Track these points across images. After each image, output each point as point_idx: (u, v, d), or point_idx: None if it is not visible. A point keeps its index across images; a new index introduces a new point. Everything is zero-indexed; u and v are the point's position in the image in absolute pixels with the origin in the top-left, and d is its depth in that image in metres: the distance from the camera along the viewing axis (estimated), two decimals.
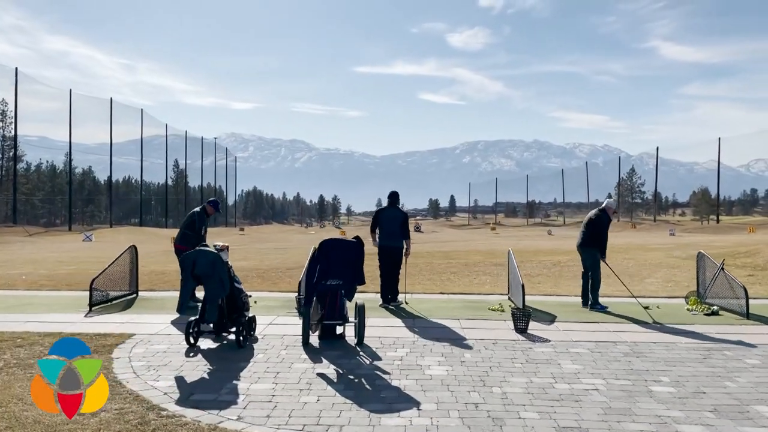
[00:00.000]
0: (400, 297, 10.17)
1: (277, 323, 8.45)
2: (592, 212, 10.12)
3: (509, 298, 10.61)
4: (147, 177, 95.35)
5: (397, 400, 5.19)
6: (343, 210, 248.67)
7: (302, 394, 5.36)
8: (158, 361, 6.39)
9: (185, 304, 7.13)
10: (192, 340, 6.95)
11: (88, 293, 9.48)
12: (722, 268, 9.43)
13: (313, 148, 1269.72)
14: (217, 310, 6.93)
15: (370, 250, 8.94)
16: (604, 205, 10.07)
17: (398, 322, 8.65)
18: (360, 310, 7.16)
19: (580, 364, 6.37)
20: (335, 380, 5.80)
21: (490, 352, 6.87)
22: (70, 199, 73.56)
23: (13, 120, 62.26)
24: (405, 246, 9.90)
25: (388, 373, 6.02)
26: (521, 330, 7.93)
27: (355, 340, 7.20)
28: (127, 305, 9.92)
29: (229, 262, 7.36)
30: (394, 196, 10.21)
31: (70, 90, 64.84)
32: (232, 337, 7.36)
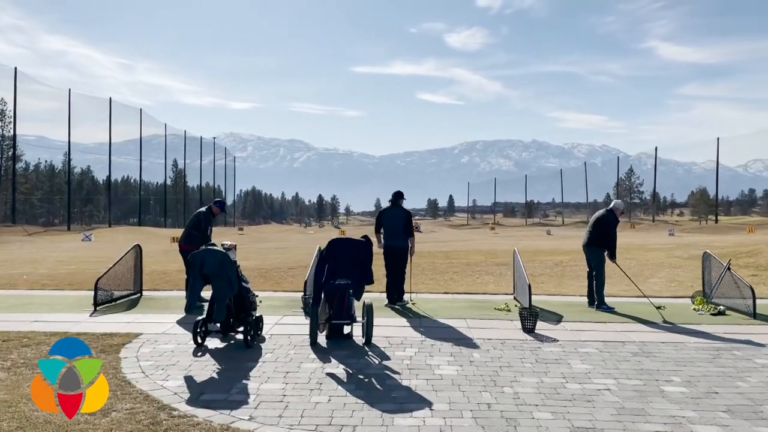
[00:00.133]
0: (406, 297, 10.14)
1: (284, 323, 8.42)
2: (600, 212, 10.10)
3: (514, 298, 10.58)
4: (146, 177, 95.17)
5: (408, 400, 5.17)
6: (341, 210, 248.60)
7: (313, 394, 5.33)
8: (166, 361, 6.36)
9: (193, 303, 7.10)
10: (199, 340, 6.92)
11: (91, 293, 9.45)
12: (729, 268, 9.42)
13: (311, 148, 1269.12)
14: (225, 310, 6.90)
15: (376, 249, 8.91)
16: (612, 205, 10.05)
17: (405, 321, 8.62)
18: (368, 310, 7.13)
19: (590, 364, 6.35)
20: (345, 380, 5.77)
21: (498, 352, 6.85)
22: (69, 198, 73.42)
23: (12, 119, 62.07)
24: (410, 245, 9.87)
25: (397, 373, 6.00)
26: (529, 330, 7.91)
27: (363, 340, 7.17)
28: (132, 305, 9.89)
29: (237, 261, 7.33)
30: (396, 196, 10.18)
31: (69, 89, 64.73)
32: (240, 336, 7.33)
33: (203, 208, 9.86)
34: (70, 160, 73.08)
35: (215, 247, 7.17)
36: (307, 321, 8.36)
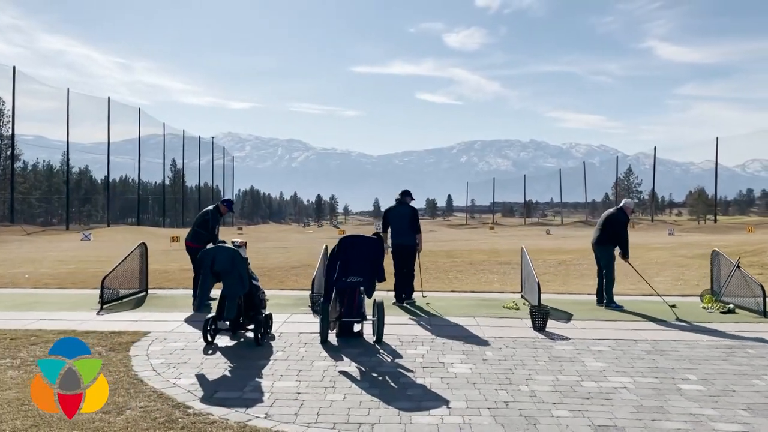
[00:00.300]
0: (417, 294, 10.07)
1: (292, 321, 8.37)
2: (610, 211, 10.07)
3: (522, 296, 10.54)
4: (144, 177, 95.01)
5: (424, 398, 5.12)
6: (340, 209, 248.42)
7: (328, 392, 5.28)
8: (177, 359, 6.30)
9: (204, 301, 7.03)
10: (209, 338, 6.87)
11: (95, 291, 9.39)
12: (738, 266, 9.38)
13: (310, 148, 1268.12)
14: (236, 308, 6.84)
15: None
16: (622, 204, 10.02)
17: (414, 320, 8.57)
18: (379, 308, 7.07)
19: (604, 362, 6.31)
20: (359, 378, 5.72)
21: (511, 350, 6.80)
22: (67, 198, 73.23)
23: (10, 119, 61.88)
24: (417, 242, 9.81)
25: (411, 371, 5.95)
26: (539, 328, 7.86)
27: (374, 338, 7.12)
28: (138, 303, 9.83)
29: (248, 259, 7.27)
30: (403, 194, 10.11)
31: (68, 89, 64.57)
32: (249, 334, 7.28)
33: (210, 207, 9.80)
34: (68, 159, 72.92)
35: (226, 245, 7.11)
36: (316, 319, 8.33)
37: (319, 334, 7.14)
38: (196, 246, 9.40)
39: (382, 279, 7.34)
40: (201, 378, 5.66)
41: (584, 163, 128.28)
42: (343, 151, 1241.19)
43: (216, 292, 7.59)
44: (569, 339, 7.38)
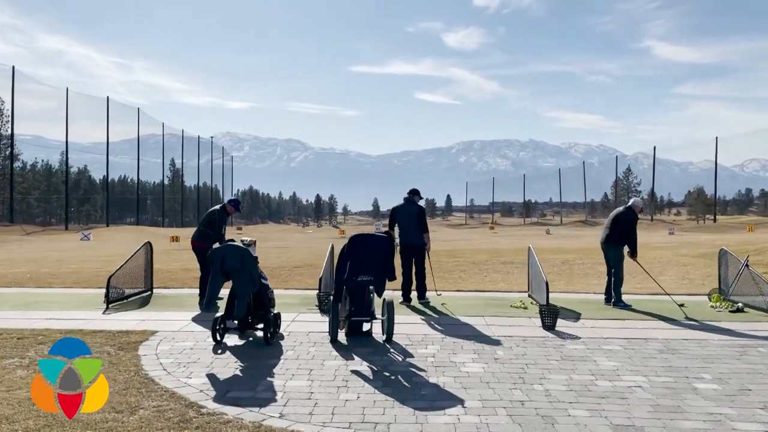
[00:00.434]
0: (429, 294, 10.00)
1: (300, 320, 8.32)
2: (619, 209, 10.03)
3: (529, 296, 10.49)
4: (143, 176, 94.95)
5: (439, 398, 5.08)
6: (339, 209, 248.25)
7: (341, 391, 5.24)
8: (186, 358, 6.25)
9: (213, 300, 6.98)
10: (218, 337, 6.83)
11: (99, 291, 9.33)
12: (747, 265, 9.35)
13: (308, 148, 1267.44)
14: (245, 307, 6.79)
15: None
16: (631, 203, 9.98)
17: (422, 319, 8.54)
18: (389, 307, 7.02)
19: (617, 361, 6.27)
20: (371, 377, 5.68)
21: (522, 349, 6.76)
22: (66, 198, 73.10)
23: (9, 119, 61.75)
24: (426, 241, 9.76)
25: (423, 371, 5.91)
26: (549, 327, 7.83)
27: (383, 337, 7.08)
28: (144, 302, 9.78)
29: (258, 258, 7.21)
30: (411, 193, 10.05)
31: (67, 88, 64.47)
32: (258, 334, 7.24)
33: (217, 207, 9.75)
34: (67, 159, 72.80)
35: (235, 243, 7.06)
36: (324, 318, 8.29)
37: (328, 333, 7.10)
38: (203, 245, 9.36)
39: (393, 278, 7.30)
40: (212, 377, 5.62)
41: (583, 162, 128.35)
42: (341, 151, 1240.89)
43: (223, 291, 7.54)
44: (580, 338, 7.35)
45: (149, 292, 10.56)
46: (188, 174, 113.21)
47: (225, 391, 5.22)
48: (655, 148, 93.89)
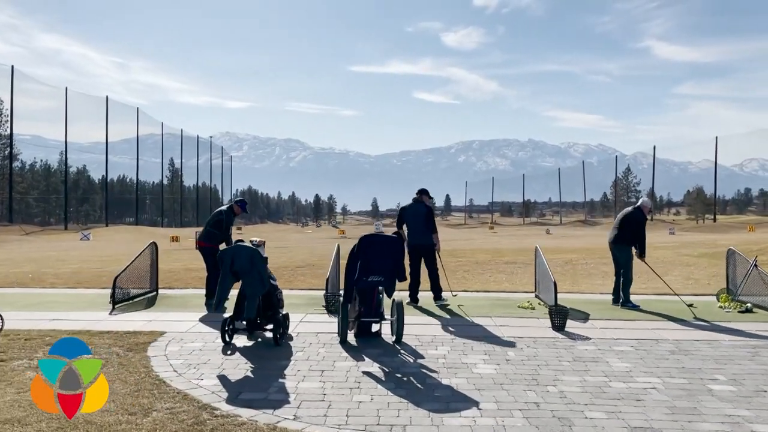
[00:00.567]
0: (445, 294, 9.92)
1: (308, 321, 8.28)
2: (628, 210, 10.00)
3: (536, 296, 10.46)
4: (142, 176, 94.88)
5: (453, 400, 5.04)
6: (338, 209, 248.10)
7: (354, 393, 5.20)
8: (196, 360, 6.21)
9: (223, 301, 6.93)
10: (227, 338, 6.78)
11: (104, 291, 9.28)
12: (756, 265, 9.32)
13: (307, 147, 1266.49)
14: (255, 307, 6.75)
15: None
16: (639, 203, 9.95)
17: (430, 320, 8.50)
18: (398, 307, 6.98)
19: (629, 363, 6.23)
20: (383, 379, 5.64)
21: (533, 350, 6.72)
22: (66, 197, 73.02)
23: (8, 118, 61.62)
24: (435, 241, 9.71)
25: (435, 372, 5.87)
26: (558, 328, 7.79)
27: (392, 338, 7.04)
28: (150, 303, 9.73)
29: (267, 258, 7.16)
30: (420, 192, 10.00)
31: (66, 88, 64.42)
32: (266, 334, 7.20)
33: (224, 207, 9.71)
34: (66, 159, 72.69)
35: (244, 243, 7.02)
36: (332, 319, 8.26)
37: (337, 334, 7.07)
38: (209, 246, 9.33)
39: (403, 278, 7.26)
40: (223, 379, 5.57)
41: (583, 162, 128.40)
42: (341, 151, 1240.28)
43: (232, 291, 7.49)
44: (590, 339, 7.31)
45: (154, 293, 10.52)
46: (187, 174, 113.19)
47: (237, 392, 5.18)
48: (654, 147, 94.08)
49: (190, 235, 38.03)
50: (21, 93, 63.92)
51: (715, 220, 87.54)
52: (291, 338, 7.19)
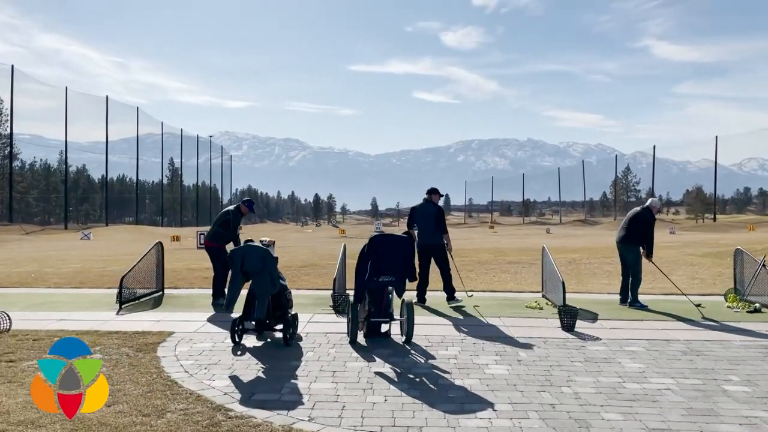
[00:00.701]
0: (459, 294, 9.85)
1: (316, 321, 8.25)
2: (636, 209, 9.97)
3: (544, 296, 10.43)
4: (141, 175, 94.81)
5: (467, 401, 5.01)
6: (338, 209, 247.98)
7: (367, 393, 5.17)
8: (207, 360, 6.18)
9: (234, 301, 6.90)
10: (237, 339, 6.75)
11: (110, 291, 9.25)
12: (764, 265, 9.29)
13: (307, 147, 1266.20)
14: (265, 308, 6.72)
15: None
16: (648, 203, 9.93)
17: (439, 320, 8.47)
18: (408, 308, 6.95)
19: (642, 363, 6.20)
20: (396, 379, 5.61)
21: (544, 351, 6.69)
22: (66, 197, 72.97)
23: (8, 118, 61.57)
24: (445, 241, 9.66)
25: (447, 372, 5.84)
26: (568, 328, 7.76)
27: (402, 339, 7.01)
28: (156, 303, 9.69)
29: (278, 258, 7.13)
30: (429, 192, 9.95)
31: (66, 88, 64.40)
32: (276, 335, 7.17)
33: (232, 207, 9.68)
34: (66, 158, 72.63)
35: (254, 243, 6.98)
36: (340, 319, 8.23)
37: (347, 334, 7.04)
38: (216, 246, 9.29)
39: (414, 278, 7.23)
40: (235, 379, 5.54)
41: (582, 162, 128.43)
42: (340, 150, 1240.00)
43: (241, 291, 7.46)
44: (600, 339, 7.28)
45: (161, 293, 10.48)
46: (187, 173, 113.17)
47: (250, 393, 5.14)
48: (654, 147, 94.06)
49: (190, 234, 38.01)
50: (21, 93, 63.91)
51: (715, 219, 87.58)
52: (300, 338, 7.16)
